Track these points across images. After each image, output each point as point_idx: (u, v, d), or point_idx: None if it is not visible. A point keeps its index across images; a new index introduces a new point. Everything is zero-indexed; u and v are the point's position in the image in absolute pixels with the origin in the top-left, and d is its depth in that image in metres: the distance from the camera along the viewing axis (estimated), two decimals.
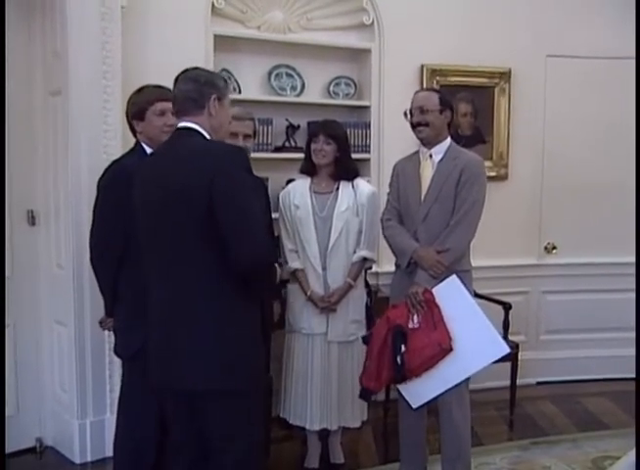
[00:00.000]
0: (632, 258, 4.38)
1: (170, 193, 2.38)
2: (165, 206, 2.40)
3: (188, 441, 2.56)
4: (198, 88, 2.49)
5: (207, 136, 2.50)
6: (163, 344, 2.46)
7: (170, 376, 2.45)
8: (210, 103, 2.50)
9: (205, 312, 2.40)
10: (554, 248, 5.09)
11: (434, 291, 3.24)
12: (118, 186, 2.90)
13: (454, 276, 3.25)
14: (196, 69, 2.58)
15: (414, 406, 3.30)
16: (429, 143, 3.38)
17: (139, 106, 3.02)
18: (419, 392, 3.27)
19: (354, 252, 3.56)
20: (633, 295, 4.54)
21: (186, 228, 2.38)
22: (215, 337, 2.39)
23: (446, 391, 3.22)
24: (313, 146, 3.53)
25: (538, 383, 5.13)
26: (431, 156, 3.39)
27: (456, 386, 3.22)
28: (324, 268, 3.53)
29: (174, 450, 2.63)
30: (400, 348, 3.18)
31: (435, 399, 3.28)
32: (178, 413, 2.56)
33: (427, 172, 3.38)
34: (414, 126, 3.39)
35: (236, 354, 2.43)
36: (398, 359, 3.17)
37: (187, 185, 2.35)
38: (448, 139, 3.42)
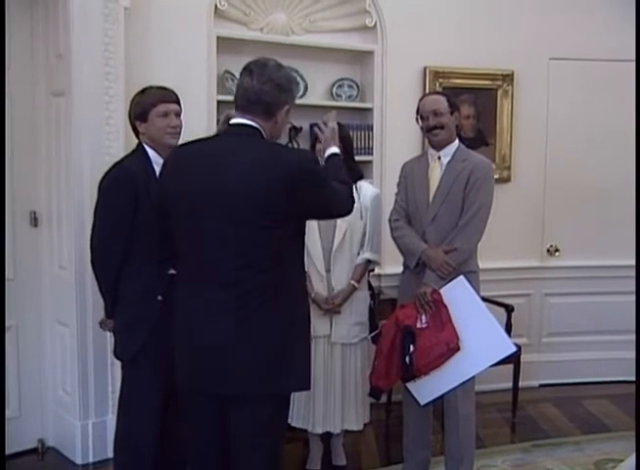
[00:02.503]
0: (634, 261, 4.37)
1: (235, 198, 2.24)
2: (227, 210, 2.26)
3: (215, 442, 2.49)
4: (276, 94, 2.34)
5: (266, 137, 2.38)
6: (213, 350, 2.35)
7: (218, 381, 2.36)
8: (282, 113, 2.38)
9: (252, 325, 2.31)
10: (557, 250, 5.09)
11: (441, 291, 3.27)
12: (120, 188, 2.90)
13: (462, 277, 3.27)
14: (278, 66, 2.39)
15: (422, 403, 3.33)
16: (440, 146, 3.39)
17: (142, 107, 3.01)
18: (427, 389, 3.30)
19: (358, 254, 3.56)
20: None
21: (248, 236, 2.26)
22: (273, 347, 2.33)
23: (453, 388, 3.25)
24: (318, 146, 3.51)
25: (541, 385, 5.13)
26: (439, 157, 3.40)
27: (463, 383, 3.24)
28: (328, 270, 3.53)
29: (193, 459, 2.57)
30: (409, 348, 3.22)
31: (442, 396, 3.31)
32: (210, 416, 2.46)
33: (435, 174, 3.39)
34: (429, 130, 3.39)
35: (289, 361, 2.38)
36: (407, 359, 3.21)
37: (257, 191, 2.21)
38: (456, 141, 3.43)
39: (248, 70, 2.37)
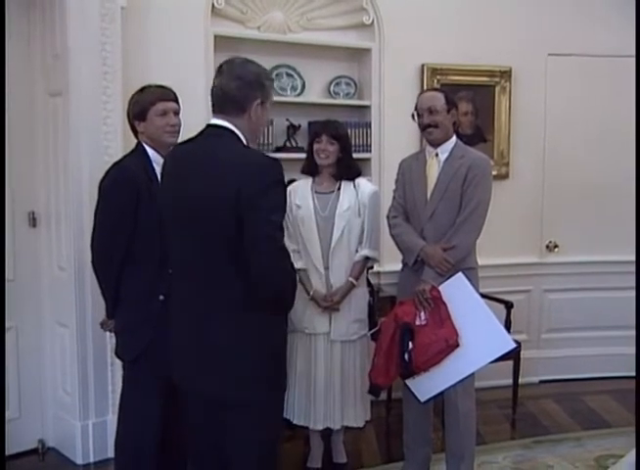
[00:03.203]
0: (634, 257, 4.37)
1: (196, 202, 2.25)
2: (191, 212, 2.27)
3: (214, 442, 2.49)
4: (242, 88, 2.31)
5: (242, 138, 2.34)
6: (196, 354, 2.37)
7: (216, 383, 2.36)
8: (253, 107, 2.33)
9: (240, 326, 2.31)
10: (556, 246, 5.09)
11: (440, 288, 3.26)
12: (120, 188, 2.89)
13: (460, 273, 3.27)
14: (245, 62, 2.39)
15: (422, 400, 3.34)
16: (437, 143, 3.38)
17: (141, 106, 3.01)
18: (426, 386, 3.30)
19: (357, 251, 3.56)
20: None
21: (212, 239, 2.26)
22: (249, 351, 2.32)
23: (453, 385, 3.25)
24: (316, 146, 3.52)
25: (541, 381, 5.13)
26: (437, 154, 3.40)
27: (462, 380, 3.24)
28: (326, 268, 3.53)
29: (193, 459, 2.58)
30: (408, 344, 3.21)
31: (442, 392, 3.31)
32: (208, 417, 2.47)
33: (433, 171, 3.39)
34: (423, 128, 3.39)
35: (267, 367, 2.37)
36: (406, 356, 3.21)
37: (214, 196, 2.21)
38: (454, 138, 3.42)
39: (219, 70, 2.39)
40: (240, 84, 2.32)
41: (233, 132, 2.33)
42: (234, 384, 2.34)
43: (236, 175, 2.20)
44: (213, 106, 2.39)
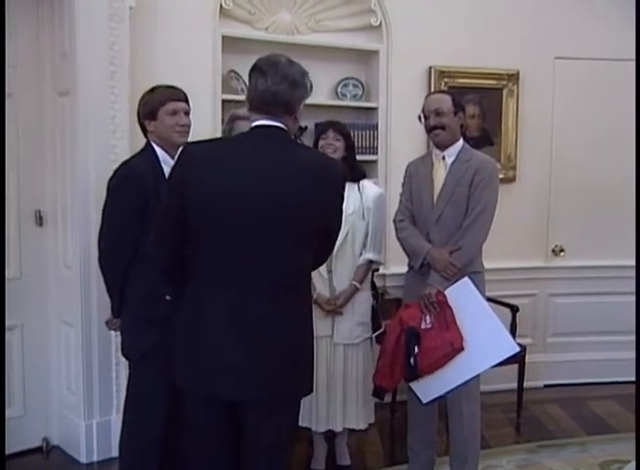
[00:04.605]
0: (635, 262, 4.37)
1: (278, 200, 2.19)
2: (266, 209, 2.19)
3: (226, 446, 2.43)
4: (293, 92, 2.27)
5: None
6: (237, 352, 2.25)
7: (244, 385, 2.27)
8: (301, 107, 2.32)
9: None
10: (562, 250, 5.08)
11: (446, 292, 3.26)
12: (128, 187, 2.90)
13: (466, 278, 3.27)
14: (290, 62, 2.33)
15: (424, 401, 3.34)
16: (443, 146, 3.38)
17: (151, 105, 3.01)
18: (429, 388, 3.31)
19: (360, 254, 3.56)
20: None
21: (303, 238, 2.27)
22: (302, 348, 2.37)
23: (456, 387, 3.25)
24: (322, 142, 3.51)
25: (545, 386, 5.11)
26: (443, 157, 3.39)
27: (465, 382, 3.24)
28: (330, 271, 3.52)
29: (209, 455, 2.47)
30: (414, 349, 3.21)
31: (444, 394, 3.31)
32: (224, 421, 2.39)
33: (439, 174, 3.38)
34: (429, 130, 3.38)
35: (308, 360, 2.41)
36: (411, 361, 3.21)
37: (304, 197, 2.21)
38: (461, 141, 3.41)
39: (259, 70, 2.29)
40: (289, 87, 2.27)
41: (286, 131, 2.31)
42: (303, 381, 2.40)
43: (317, 174, 2.26)
44: (255, 107, 2.30)
